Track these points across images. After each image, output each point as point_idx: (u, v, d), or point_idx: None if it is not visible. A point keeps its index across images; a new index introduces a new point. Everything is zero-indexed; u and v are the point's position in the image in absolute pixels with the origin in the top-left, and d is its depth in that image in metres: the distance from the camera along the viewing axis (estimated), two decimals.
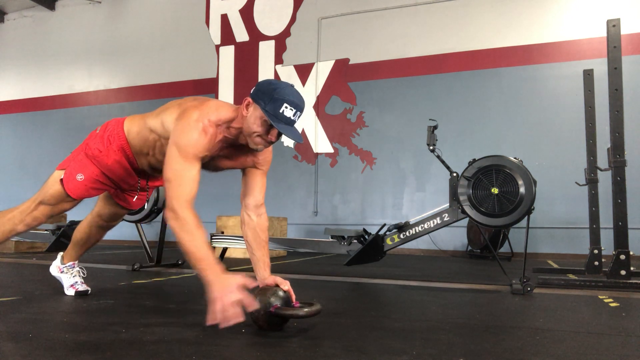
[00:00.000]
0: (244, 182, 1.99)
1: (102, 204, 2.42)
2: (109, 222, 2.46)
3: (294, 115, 1.70)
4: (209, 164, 1.93)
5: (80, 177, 2.13)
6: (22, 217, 2.17)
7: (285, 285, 1.77)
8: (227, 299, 1.52)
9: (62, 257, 2.52)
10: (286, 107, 1.68)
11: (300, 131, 6.48)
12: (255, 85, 1.79)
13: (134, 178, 2.24)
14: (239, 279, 1.57)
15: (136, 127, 2.09)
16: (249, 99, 1.75)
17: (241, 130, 1.80)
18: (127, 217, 3.96)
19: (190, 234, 1.63)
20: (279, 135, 1.77)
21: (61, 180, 2.14)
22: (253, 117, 1.73)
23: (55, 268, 2.51)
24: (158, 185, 2.46)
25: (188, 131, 1.73)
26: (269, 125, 1.73)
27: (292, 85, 1.77)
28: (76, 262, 2.52)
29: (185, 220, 1.64)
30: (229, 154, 1.92)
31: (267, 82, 1.77)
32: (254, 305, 1.57)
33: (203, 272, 1.60)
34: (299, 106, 1.72)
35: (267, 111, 1.69)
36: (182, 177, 1.70)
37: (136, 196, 2.35)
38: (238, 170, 2.04)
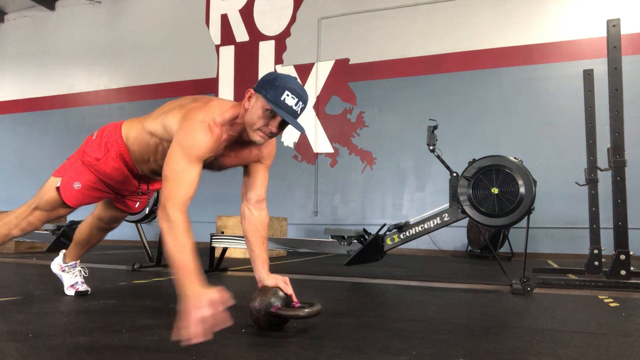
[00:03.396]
0: (246, 177, 1.97)
1: (102, 207, 2.40)
2: (109, 224, 2.45)
3: (295, 105, 1.68)
4: (213, 163, 1.90)
5: (77, 185, 2.10)
6: (18, 222, 2.15)
7: (288, 289, 1.77)
8: (196, 314, 1.38)
9: (65, 255, 2.51)
10: (287, 95, 1.66)
11: None
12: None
13: (134, 184, 2.22)
14: (214, 293, 1.41)
15: (134, 132, 2.04)
16: (251, 91, 1.74)
17: (244, 125, 1.78)
18: (127, 217, 3.95)
19: (175, 238, 1.55)
20: (281, 126, 1.73)
21: (57, 188, 2.10)
22: (255, 107, 1.71)
23: (57, 265, 2.51)
24: (159, 189, 2.43)
25: (193, 132, 1.69)
26: (270, 115, 1.70)
27: (295, 78, 1.76)
28: (78, 261, 2.51)
29: (176, 222, 1.57)
30: (233, 151, 1.89)
31: (269, 73, 1.76)
32: (226, 322, 1.42)
33: (180, 280, 1.49)
34: (300, 95, 1.69)
35: (268, 98, 1.66)
36: (181, 178, 1.64)
37: (138, 202, 2.34)
38: (238, 170, 2.02)
